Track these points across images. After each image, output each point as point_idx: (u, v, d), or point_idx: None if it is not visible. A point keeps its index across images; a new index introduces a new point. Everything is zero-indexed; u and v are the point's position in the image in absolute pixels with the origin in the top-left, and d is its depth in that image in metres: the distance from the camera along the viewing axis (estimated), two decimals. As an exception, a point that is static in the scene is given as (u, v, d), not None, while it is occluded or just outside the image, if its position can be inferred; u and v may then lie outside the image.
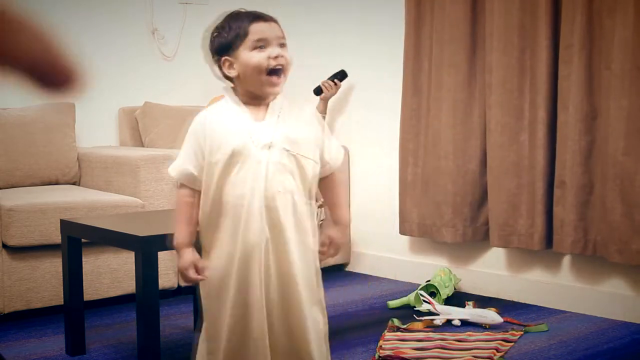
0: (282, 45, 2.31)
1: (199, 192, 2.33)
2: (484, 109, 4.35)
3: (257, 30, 2.30)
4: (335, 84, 5.07)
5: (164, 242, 2.96)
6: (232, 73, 2.35)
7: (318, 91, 5.23)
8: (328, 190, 2.46)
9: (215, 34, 2.46)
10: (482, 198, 4.40)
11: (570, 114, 3.94)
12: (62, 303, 3.49)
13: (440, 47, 4.47)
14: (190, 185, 2.35)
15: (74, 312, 3.35)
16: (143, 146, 5.11)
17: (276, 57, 2.28)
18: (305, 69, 5.03)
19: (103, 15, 5.17)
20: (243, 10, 2.39)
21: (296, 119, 2.35)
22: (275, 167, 2.26)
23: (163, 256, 4.21)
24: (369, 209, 5.13)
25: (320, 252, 2.37)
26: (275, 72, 2.29)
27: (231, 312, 2.33)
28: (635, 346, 3.49)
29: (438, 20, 4.49)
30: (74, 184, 4.71)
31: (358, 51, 5.13)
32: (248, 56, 2.30)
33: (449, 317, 3.82)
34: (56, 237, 3.76)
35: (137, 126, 5.17)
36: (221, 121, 2.33)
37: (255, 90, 2.33)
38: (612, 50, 3.78)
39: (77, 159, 4.72)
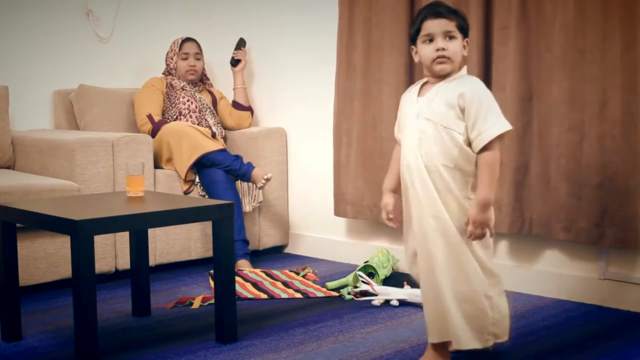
0: (450, 37, 2.78)
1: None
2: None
3: (427, 26, 2.79)
4: (243, 52, 5.22)
5: (100, 225, 2.95)
6: (417, 59, 2.87)
7: (235, 62, 5.24)
8: (478, 168, 2.77)
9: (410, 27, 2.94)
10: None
11: (507, 95, 3.97)
12: (-3, 289, 3.45)
13: (380, 29, 4.48)
14: (398, 143, 2.99)
15: (9, 297, 3.31)
16: (78, 129, 5.06)
17: (438, 50, 2.77)
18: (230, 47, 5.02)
19: (36, -3, 5.10)
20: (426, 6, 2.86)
21: (447, 93, 2.77)
22: (420, 134, 2.79)
23: (100, 240, 4.19)
24: (307, 190, 5.13)
25: (468, 234, 2.77)
26: (440, 61, 2.79)
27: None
28: (570, 323, 3.54)
29: (377, 4, 4.49)
30: (8, 168, 4.65)
31: (294, 31, 5.12)
32: (420, 49, 2.84)
33: (387, 297, 3.84)
34: (-10, 222, 3.71)
35: (72, 109, 5.11)
36: (407, 98, 2.93)
37: (430, 72, 2.85)
38: (553, 32, 3.81)
39: (12, 142, 4.65)
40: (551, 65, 3.84)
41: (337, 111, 4.68)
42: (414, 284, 4.06)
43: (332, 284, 4.17)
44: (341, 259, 4.92)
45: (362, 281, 3.97)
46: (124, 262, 4.33)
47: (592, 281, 3.87)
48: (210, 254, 4.65)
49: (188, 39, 5.22)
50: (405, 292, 3.84)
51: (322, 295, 4.05)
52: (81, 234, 2.83)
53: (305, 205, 5.15)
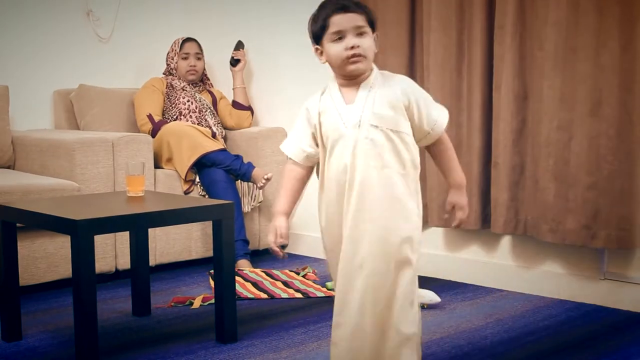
0: (361, 33, 2.48)
1: (307, 170, 2.67)
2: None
3: (335, 22, 2.48)
4: (243, 52, 5.26)
5: (100, 225, 2.95)
6: (322, 60, 2.56)
7: (235, 62, 5.24)
8: (437, 157, 2.63)
9: (309, 22, 2.60)
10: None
11: (502, 94, 3.98)
12: (-3, 288, 3.46)
13: (383, 29, 4.48)
14: (300, 162, 2.64)
15: (10, 297, 3.31)
16: (78, 129, 5.06)
17: (353, 47, 2.46)
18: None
19: (36, -3, 5.11)
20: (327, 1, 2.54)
21: (385, 95, 2.50)
22: (365, 143, 2.46)
23: (100, 240, 4.19)
24: (307, 190, 5.12)
25: (449, 219, 2.63)
26: (354, 61, 2.48)
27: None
28: (569, 323, 3.54)
29: (381, 5, 4.49)
30: (8, 167, 4.65)
31: (294, 31, 5.12)
32: (328, 48, 2.51)
33: (387, 297, 3.84)
34: (-10, 222, 3.71)
35: (72, 109, 5.11)
36: (324, 108, 2.56)
37: (341, 73, 2.52)
38: (545, 31, 3.81)
39: (12, 142, 4.66)
40: (543, 63, 3.84)
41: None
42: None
43: (332, 284, 4.17)
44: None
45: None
46: (124, 262, 4.33)
47: (592, 281, 3.87)
48: (210, 253, 4.65)
49: (189, 39, 5.22)
50: (405, 292, 3.84)
51: (322, 295, 4.05)
52: (81, 233, 2.83)
53: (306, 205, 5.14)
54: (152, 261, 4.46)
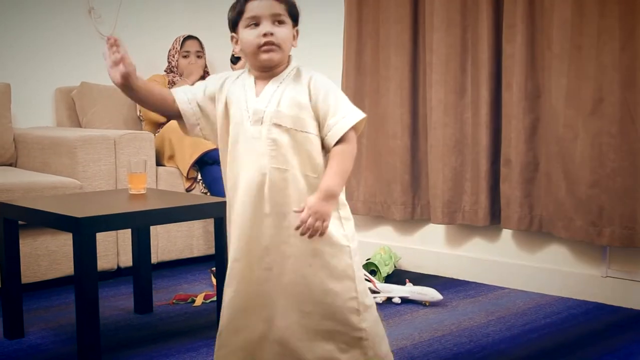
0: (279, 21, 2.34)
1: (172, 103, 2.51)
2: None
3: (251, 7, 2.34)
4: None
5: (102, 223, 2.95)
6: (237, 49, 2.43)
7: (236, 60, 5.23)
8: (328, 160, 2.35)
9: (229, 10, 2.46)
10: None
11: (514, 92, 3.97)
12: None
13: (386, 27, 4.48)
14: (185, 120, 2.49)
15: (12, 295, 3.31)
16: (80, 127, 5.06)
17: (265, 35, 2.32)
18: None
19: (38, -6, 5.10)
20: None
21: (292, 92, 2.34)
22: (266, 143, 2.31)
23: (102, 237, 4.19)
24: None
25: (300, 221, 2.26)
26: (267, 49, 2.33)
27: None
28: (572, 321, 3.54)
29: (383, 2, 4.48)
30: (10, 165, 4.65)
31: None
32: (243, 35, 2.37)
33: (389, 295, 3.84)
34: (-8, 220, 3.71)
35: (74, 106, 5.11)
36: (233, 95, 2.40)
37: (254, 63, 2.38)
38: (552, 30, 3.81)
39: (13, 140, 4.65)
40: (550, 62, 3.84)
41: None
42: (416, 282, 4.07)
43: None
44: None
45: (364, 279, 3.96)
46: (126, 260, 4.33)
47: (595, 279, 3.87)
48: (212, 251, 4.66)
49: (190, 37, 5.22)
50: (407, 290, 3.84)
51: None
52: (83, 231, 2.83)
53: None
54: (154, 259, 4.46)
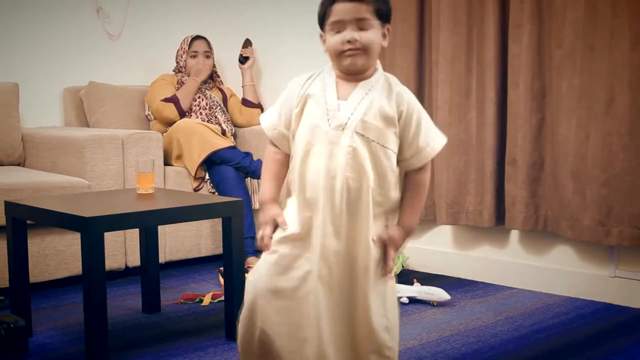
0: (364, 26, 2.22)
1: (286, 155, 2.34)
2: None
3: (335, 11, 2.24)
4: (251, 49, 5.25)
5: (110, 222, 2.95)
6: (323, 48, 2.32)
7: (244, 60, 5.24)
8: (406, 187, 2.31)
9: (319, 6, 2.33)
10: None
11: (520, 92, 3.97)
12: (7, 285, 3.46)
13: (392, 26, 4.47)
14: (278, 145, 2.36)
15: (20, 294, 3.31)
16: (88, 126, 5.07)
17: (349, 42, 2.22)
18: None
19: (46, -6, 5.11)
20: None
21: (380, 103, 2.24)
22: (346, 150, 2.20)
23: (110, 237, 4.19)
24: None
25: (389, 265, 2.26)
26: (350, 54, 2.24)
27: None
28: (579, 321, 3.53)
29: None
30: (18, 165, 4.65)
31: (302, 31, 5.12)
32: (327, 38, 2.28)
33: (397, 294, 3.83)
34: (0, 219, 3.72)
35: (82, 106, 5.12)
36: (312, 94, 2.30)
37: (338, 67, 2.29)
38: (563, 29, 3.80)
39: (22, 139, 4.66)
40: (558, 62, 3.84)
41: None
42: (424, 282, 4.06)
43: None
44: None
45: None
46: (134, 259, 4.34)
47: (603, 279, 3.87)
48: (220, 251, 4.66)
49: (198, 37, 5.22)
50: (415, 290, 3.84)
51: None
52: (91, 230, 2.84)
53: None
54: (162, 258, 4.46)
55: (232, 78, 5.51)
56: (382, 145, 2.22)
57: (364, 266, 2.23)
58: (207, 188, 4.73)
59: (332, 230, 2.21)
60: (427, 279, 4.28)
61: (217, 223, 4.69)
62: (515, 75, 4.01)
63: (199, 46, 5.19)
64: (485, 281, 4.27)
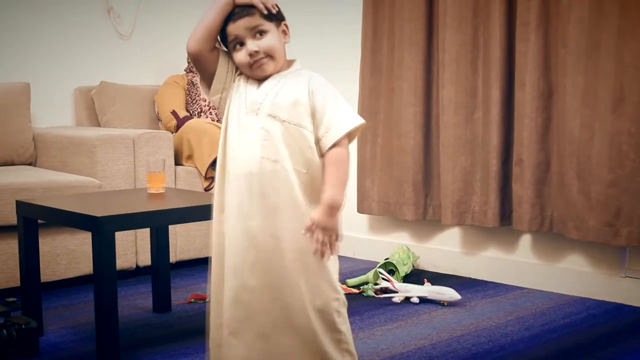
0: (260, 32, 2.33)
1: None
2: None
3: (230, 31, 2.36)
4: None
5: (121, 222, 2.96)
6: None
7: None
8: (323, 168, 2.31)
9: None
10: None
11: (527, 91, 3.96)
12: (19, 285, 3.47)
13: (400, 25, 4.47)
14: (221, 65, 2.44)
15: (31, 293, 3.32)
16: (99, 126, 5.08)
17: (251, 54, 2.32)
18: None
19: (58, -6, 5.12)
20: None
21: (291, 87, 2.33)
22: (260, 134, 2.29)
23: (121, 236, 4.20)
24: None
25: (311, 238, 2.25)
26: (257, 66, 2.34)
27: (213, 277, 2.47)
28: (591, 321, 3.53)
29: (397, 0, 4.48)
30: (29, 164, 4.66)
31: (315, 30, 5.12)
32: (234, 55, 2.38)
33: (408, 294, 3.84)
34: (12, 218, 3.73)
35: (93, 106, 5.13)
36: (238, 85, 2.40)
37: (252, 77, 2.39)
38: (568, 28, 3.80)
39: (33, 139, 4.67)
40: (565, 60, 3.83)
41: (362, 109, 4.66)
42: (434, 281, 4.06)
43: (352, 281, 4.17)
44: (362, 255, 4.91)
45: (383, 278, 3.97)
46: (145, 259, 4.34)
47: (614, 279, 3.86)
48: (230, 250, 4.66)
49: (209, 37, 5.22)
50: (426, 289, 3.84)
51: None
52: (102, 230, 2.84)
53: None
54: (173, 258, 4.46)
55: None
56: (296, 125, 2.30)
57: (291, 250, 2.28)
58: (217, 188, 4.73)
59: (249, 212, 2.29)
60: (438, 278, 4.28)
61: (228, 223, 4.69)
62: (522, 75, 4.00)
63: (210, 46, 5.19)
64: (496, 281, 4.26)
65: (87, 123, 5.13)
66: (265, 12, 2.32)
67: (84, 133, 4.39)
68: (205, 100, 5.05)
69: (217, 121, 4.99)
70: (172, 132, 4.82)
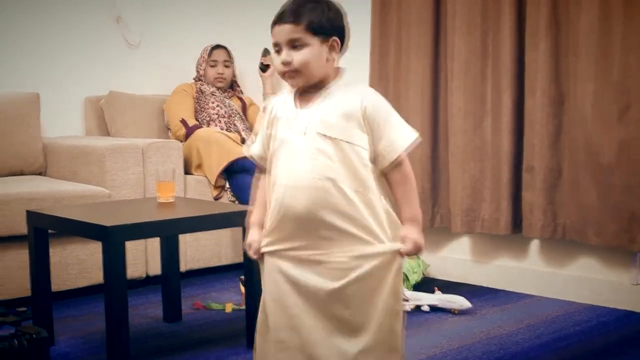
0: (297, 46, 2.27)
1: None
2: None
3: (273, 34, 2.31)
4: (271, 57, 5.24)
5: (131, 231, 2.96)
6: None
7: (265, 68, 5.25)
8: (391, 187, 2.31)
9: None
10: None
11: (537, 98, 3.96)
12: (29, 295, 3.47)
13: (407, 31, 4.47)
14: (263, 166, 2.42)
15: (42, 303, 3.33)
16: (109, 135, 5.09)
17: (284, 63, 2.28)
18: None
19: (66, 3, 5.12)
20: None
21: (341, 102, 2.27)
22: (310, 153, 2.25)
23: (131, 245, 4.20)
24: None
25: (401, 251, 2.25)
26: (288, 77, 2.31)
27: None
28: (601, 328, 3.52)
29: (405, 4, 4.48)
30: (39, 174, 4.67)
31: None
32: (273, 57, 2.37)
33: (418, 303, 3.83)
34: (22, 228, 3.73)
35: (102, 115, 5.14)
36: (277, 112, 2.35)
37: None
38: (578, 35, 3.80)
39: (43, 149, 4.68)
40: (576, 67, 3.83)
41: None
42: (445, 290, 4.06)
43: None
44: (371, 264, 4.90)
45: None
46: (155, 268, 4.34)
47: (624, 287, 3.85)
48: (240, 259, 4.66)
49: (218, 46, 5.24)
50: (436, 298, 3.84)
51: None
52: (112, 240, 2.85)
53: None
54: (183, 267, 4.47)
55: (251, 87, 5.52)
56: (348, 142, 2.24)
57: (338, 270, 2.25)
58: (227, 197, 4.74)
59: (300, 235, 2.26)
60: (448, 287, 4.27)
61: (238, 232, 4.68)
62: (532, 82, 4.00)
63: (219, 55, 5.21)
64: (506, 289, 4.25)
65: (97, 132, 5.14)
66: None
67: (94, 142, 4.40)
68: (214, 109, 5.06)
69: (226, 130, 5.00)
70: (182, 141, 4.82)
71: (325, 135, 2.24)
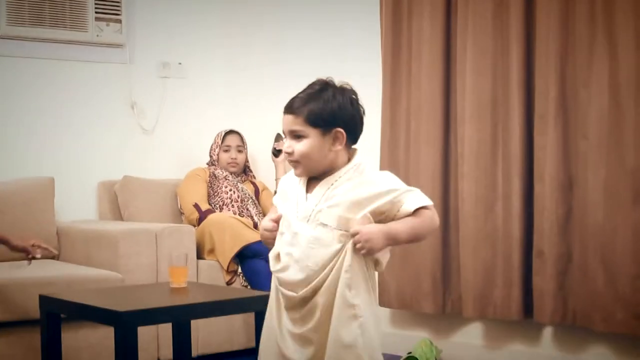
0: (295, 136, 2.34)
1: None
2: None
3: (283, 121, 2.38)
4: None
5: (143, 316, 2.96)
6: None
7: (277, 152, 5.28)
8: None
9: None
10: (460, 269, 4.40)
11: (546, 184, 3.97)
12: (41, 379, 3.46)
13: (417, 122, 4.48)
14: None
15: (53, 388, 3.32)
16: (122, 220, 5.11)
17: (287, 152, 2.36)
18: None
19: (82, 89, 5.19)
20: None
21: (346, 189, 2.32)
22: (309, 241, 2.32)
23: (142, 329, 4.19)
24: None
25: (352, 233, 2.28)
26: (292, 165, 2.39)
27: None
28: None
29: (415, 91, 4.51)
30: (53, 258, 4.68)
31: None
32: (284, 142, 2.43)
33: (431, 389, 3.81)
34: (35, 312, 3.73)
35: (116, 200, 5.17)
36: (288, 189, 2.44)
37: None
38: (588, 120, 3.83)
39: (57, 233, 4.70)
40: (586, 152, 3.84)
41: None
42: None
43: None
44: (384, 349, 4.84)
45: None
46: (167, 353, 4.32)
47: (639, 374, 3.82)
48: (252, 344, 4.63)
49: (231, 132, 5.29)
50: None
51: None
52: (125, 325, 2.85)
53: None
54: (194, 352, 4.44)
55: (264, 172, 5.55)
56: (343, 231, 2.30)
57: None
58: (239, 281, 4.73)
59: (292, 319, 2.42)
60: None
61: (250, 316, 4.67)
62: (541, 168, 4.01)
63: (232, 140, 5.25)
64: (519, 375, 4.22)
65: (110, 217, 5.16)
66: None
67: (107, 227, 4.42)
68: (227, 193, 5.09)
69: (239, 214, 5.01)
70: (195, 225, 4.84)
71: (325, 225, 2.31)
